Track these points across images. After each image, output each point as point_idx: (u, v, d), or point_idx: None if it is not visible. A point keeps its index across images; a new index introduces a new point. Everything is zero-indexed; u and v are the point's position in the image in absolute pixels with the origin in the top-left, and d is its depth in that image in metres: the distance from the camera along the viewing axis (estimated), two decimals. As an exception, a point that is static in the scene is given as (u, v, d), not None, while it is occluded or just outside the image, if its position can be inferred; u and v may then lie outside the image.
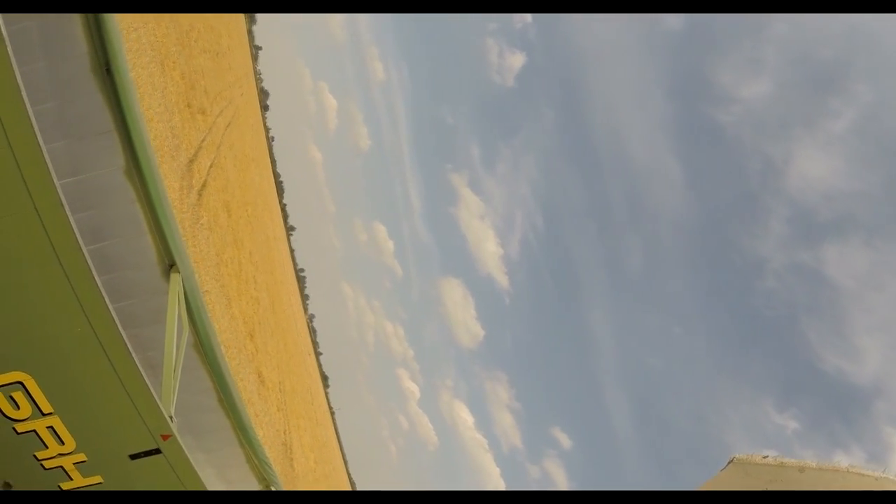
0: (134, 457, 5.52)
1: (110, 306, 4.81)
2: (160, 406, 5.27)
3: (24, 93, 4.00)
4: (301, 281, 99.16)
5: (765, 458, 10.04)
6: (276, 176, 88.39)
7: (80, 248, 4.54)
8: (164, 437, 5.43)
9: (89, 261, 4.62)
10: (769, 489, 9.69)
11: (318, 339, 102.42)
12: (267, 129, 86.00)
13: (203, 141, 22.32)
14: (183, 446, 5.55)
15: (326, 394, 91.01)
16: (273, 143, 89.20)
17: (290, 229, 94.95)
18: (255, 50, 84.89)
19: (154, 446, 5.48)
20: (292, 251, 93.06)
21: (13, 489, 5.55)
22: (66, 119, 5.31)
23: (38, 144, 4.11)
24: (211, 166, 24.00)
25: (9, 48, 3.86)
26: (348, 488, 79.13)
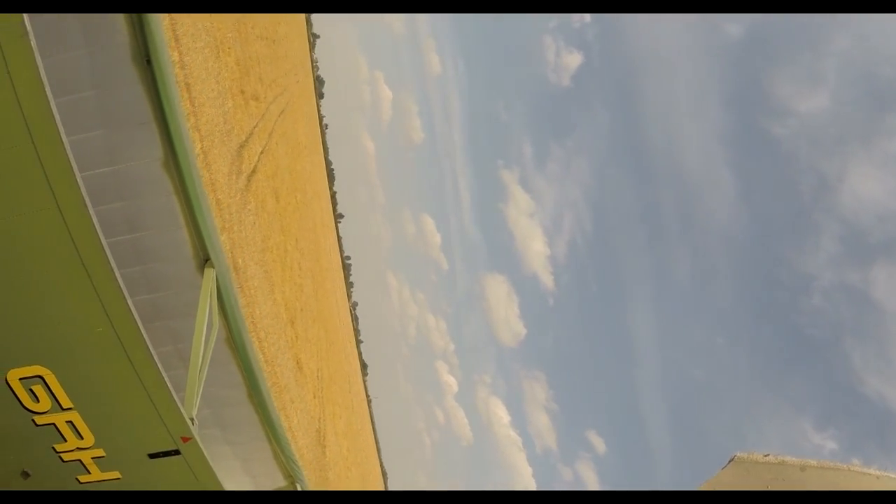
0: (153, 456, 5.46)
1: (133, 309, 4.72)
2: (181, 410, 5.17)
3: (48, 89, 3.90)
4: (346, 269, 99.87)
5: (766, 456, 10.01)
6: (328, 164, 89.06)
7: (104, 248, 4.45)
8: (185, 440, 5.34)
9: (112, 262, 4.54)
10: (770, 487, 9.64)
11: (359, 327, 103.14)
12: (321, 117, 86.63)
13: (255, 127, 22.41)
14: (203, 449, 5.46)
15: (364, 382, 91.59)
16: (326, 130, 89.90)
17: (338, 217, 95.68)
18: (312, 38, 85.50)
19: (174, 447, 5.40)
20: (339, 239, 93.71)
21: (31, 478, 5.55)
22: (105, 108, 5.24)
23: (62, 142, 4.02)
24: (262, 152, 24.12)
25: (32, 42, 3.76)
26: (379, 477, 79.56)
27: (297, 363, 29.14)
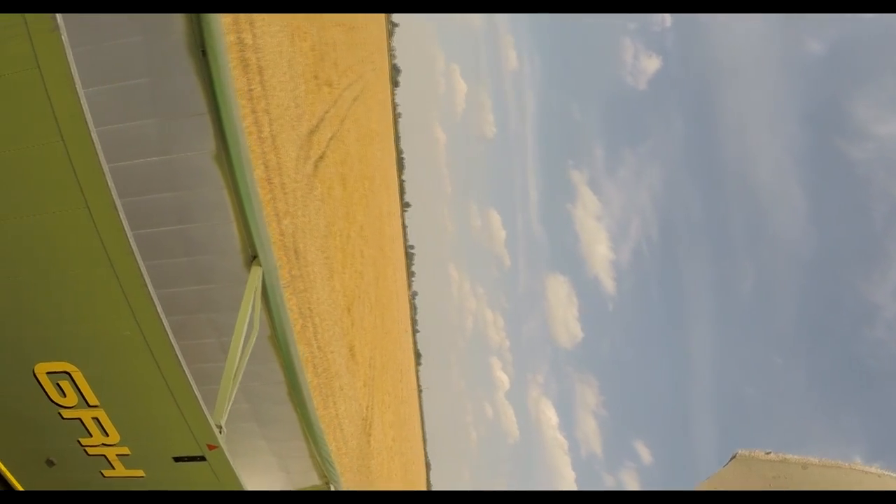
0: (178, 459, 5.34)
1: (163, 316, 4.58)
2: (208, 418, 5.02)
3: (79, 86, 3.73)
4: (409, 258, 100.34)
5: (767, 454, 9.74)
6: (399, 152, 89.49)
7: (134, 253, 4.30)
8: (210, 447, 5.19)
9: (142, 267, 4.39)
10: (772, 486, 9.40)
11: (417, 317, 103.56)
12: (395, 106, 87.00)
13: (327, 113, 22.43)
14: (229, 458, 5.30)
15: (417, 371, 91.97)
16: (399, 119, 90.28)
17: (405, 205, 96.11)
18: (391, 26, 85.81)
19: (199, 453, 5.26)
20: (405, 227, 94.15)
21: (56, 466, 5.53)
22: (159, 97, 5.09)
23: (92, 141, 3.85)
24: (332, 138, 24.15)
25: (64, 37, 3.59)
26: (423, 468, 79.83)
27: (351, 350, 29.25)
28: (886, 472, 8.94)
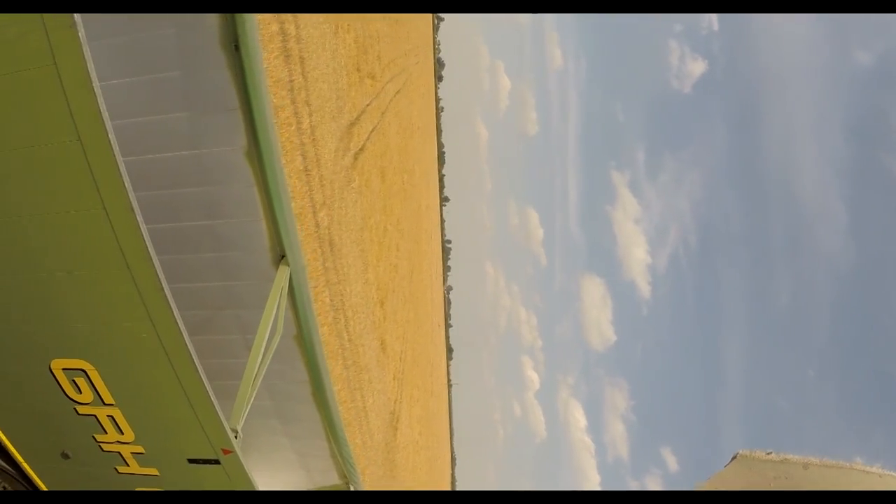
0: (192, 461, 5.26)
1: (180, 321, 4.48)
2: (224, 423, 4.92)
3: (97, 86, 3.61)
4: (445, 252, 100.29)
5: (768, 454, 9.84)
6: (440, 146, 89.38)
7: (150, 257, 4.20)
8: (225, 452, 5.10)
9: (160, 271, 4.29)
10: (773, 485, 9.48)
11: (450, 312, 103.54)
12: (437, 100, 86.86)
13: (368, 105, 22.34)
14: (243, 464, 5.20)
15: (448, 366, 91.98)
16: (442, 113, 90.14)
17: (444, 200, 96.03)
18: (437, 20, 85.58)
19: (213, 457, 5.17)
20: (443, 222, 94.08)
21: (71, 460, 5.50)
22: (190, 90, 4.98)
23: (110, 144, 3.74)
24: (372, 131, 24.07)
25: (81, 33, 3.47)
26: (448, 463, 79.87)
27: (382, 344, 29.22)
28: (888, 472, 9.05)
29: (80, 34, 3.46)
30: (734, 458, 10.17)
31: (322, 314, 15.22)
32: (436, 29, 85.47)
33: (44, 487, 6.10)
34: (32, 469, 5.89)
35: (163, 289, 4.30)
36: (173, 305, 4.38)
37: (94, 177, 3.82)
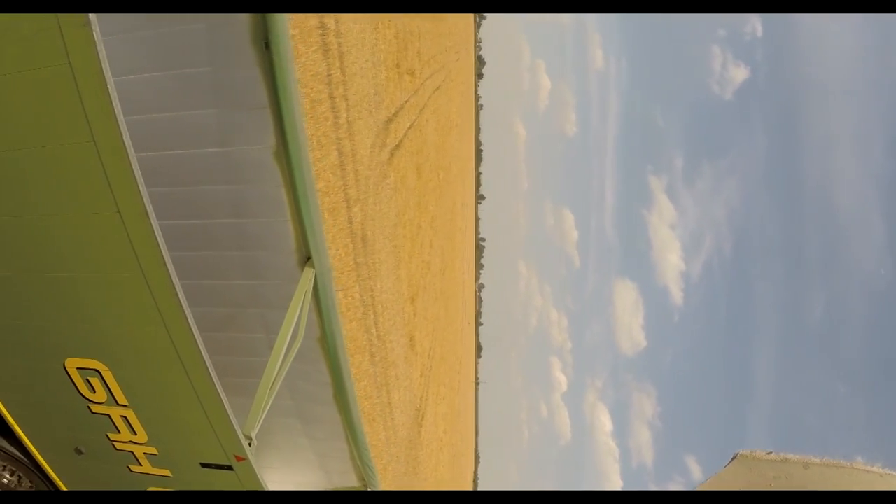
0: (204, 465, 5.19)
1: (195, 329, 4.38)
2: (237, 431, 4.83)
3: (111, 89, 3.51)
4: (479, 250, 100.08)
5: (769, 453, 9.78)
6: (478, 144, 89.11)
7: (166, 263, 4.10)
8: (238, 459, 5.01)
9: (175, 278, 4.19)
10: (773, 485, 9.43)
11: (481, 309, 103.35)
12: (477, 97, 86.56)
13: (406, 102, 22.24)
14: (256, 471, 5.11)
15: (476, 364, 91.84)
16: (481, 111, 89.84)
17: (479, 198, 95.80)
18: (479, 18, 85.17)
19: (226, 463, 5.08)
20: (478, 219, 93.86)
21: (84, 456, 5.48)
22: (219, 86, 4.88)
23: (124, 147, 3.64)
24: (410, 127, 23.98)
25: (96, 32, 3.36)
26: (471, 461, 79.76)
27: (411, 341, 29.15)
28: (888, 471, 9.00)
29: (94, 33, 3.36)
30: (734, 457, 10.05)
31: (352, 309, 15.15)
32: (478, 26, 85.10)
33: (56, 479, 6.11)
34: (46, 461, 5.90)
35: (177, 295, 4.21)
36: (188, 312, 4.29)
37: (109, 179, 3.74)
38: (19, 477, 6.41)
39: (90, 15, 3.34)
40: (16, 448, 6.00)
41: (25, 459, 6.03)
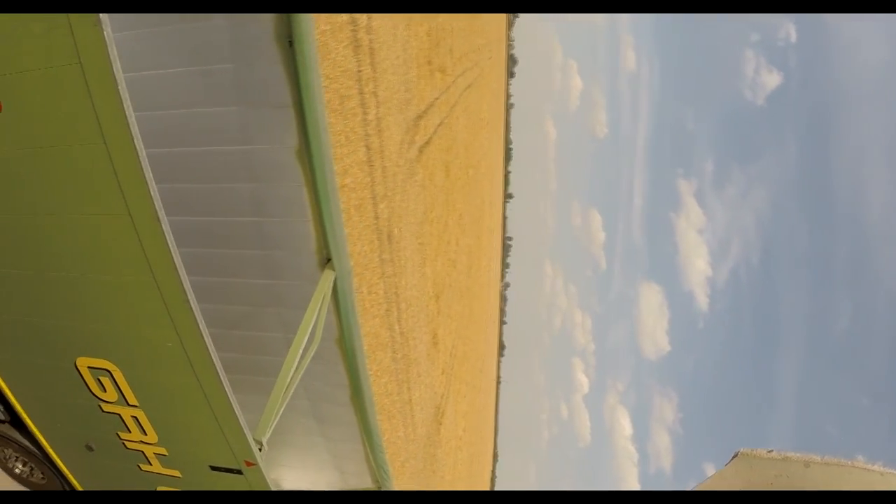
0: (214, 468, 5.12)
1: (206, 334, 4.29)
2: (248, 437, 4.76)
3: (123, 90, 3.42)
4: (506, 249, 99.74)
5: (770, 452, 9.70)
6: (508, 143, 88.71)
7: (177, 269, 4.02)
8: (248, 464, 4.93)
9: (187, 283, 4.11)
10: (774, 485, 9.38)
11: (506, 308, 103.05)
12: (508, 96, 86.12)
13: (437, 99, 22.12)
14: (266, 476, 5.04)
15: (499, 362, 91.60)
16: (511, 110, 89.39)
17: (507, 196, 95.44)
18: (512, 16, 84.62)
19: (236, 467, 5.01)
20: (505, 218, 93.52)
21: (95, 452, 5.45)
22: (242, 83, 4.79)
23: (136, 151, 3.56)
24: (440, 125, 23.86)
25: (107, 32, 3.27)
26: (490, 460, 79.62)
27: (434, 338, 29.07)
28: (889, 470, 8.79)
29: (105, 33, 3.28)
30: (735, 456, 9.83)
31: (375, 306, 15.09)
32: (510, 25, 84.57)
33: (68, 473, 6.12)
34: (57, 455, 5.90)
35: (189, 301, 4.13)
36: (200, 318, 4.22)
37: (120, 182, 3.67)
38: (31, 468, 6.45)
39: (102, 15, 3.26)
40: (28, 441, 6.02)
41: (38, 452, 6.05)
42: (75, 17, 3.28)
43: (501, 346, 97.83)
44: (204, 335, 4.29)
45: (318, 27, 8.48)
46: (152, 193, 3.70)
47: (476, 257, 50.33)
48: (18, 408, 5.56)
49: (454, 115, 27.04)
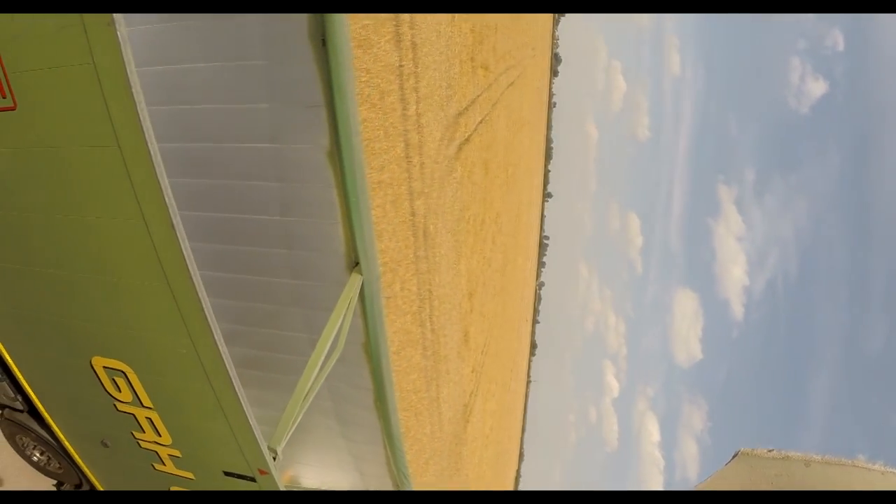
0: (227, 474, 5.04)
1: (221, 342, 4.18)
2: (262, 445, 4.66)
3: (137, 92, 3.31)
4: (542, 248, 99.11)
5: (770, 451, 9.67)
6: (549, 142, 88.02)
7: (192, 276, 3.91)
8: (261, 472, 4.83)
9: (202, 291, 4.00)
10: (774, 484, 9.32)
11: (539, 308, 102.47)
12: (551, 95, 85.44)
13: (478, 97, 21.91)
14: (279, 484, 4.93)
15: (530, 362, 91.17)
16: (554, 109, 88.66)
17: (546, 195, 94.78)
18: (557, 15, 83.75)
19: (249, 474, 4.92)
20: (543, 217, 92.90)
21: (110, 449, 5.41)
22: (274, 81, 4.68)
23: (149, 155, 3.45)
24: (480, 122, 23.65)
25: (121, 32, 3.15)
26: (515, 460, 79.34)
27: (465, 335, 28.87)
28: (890, 470, 8.67)
29: (119, 33, 3.16)
30: (735, 455, 9.72)
31: (407, 302, 14.99)
32: (556, 23, 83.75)
33: (84, 467, 6.11)
34: (73, 449, 5.90)
35: (204, 309, 4.02)
36: (214, 325, 4.10)
37: (134, 187, 3.57)
38: (48, 457, 6.50)
39: (116, 14, 3.16)
40: (46, 432, 6.04)
41: (55, 443, 6.07)
42: (89, 17, 3.18)
43: (533, 346, 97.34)
44: (219, 344, 4.18)
45: (360, 21, 8.34)
46: (167, 199, 3.59)
47: (512, 256, 49.99)
48: (35, 400, 5.56)
49: (495, 113, 26.80)
